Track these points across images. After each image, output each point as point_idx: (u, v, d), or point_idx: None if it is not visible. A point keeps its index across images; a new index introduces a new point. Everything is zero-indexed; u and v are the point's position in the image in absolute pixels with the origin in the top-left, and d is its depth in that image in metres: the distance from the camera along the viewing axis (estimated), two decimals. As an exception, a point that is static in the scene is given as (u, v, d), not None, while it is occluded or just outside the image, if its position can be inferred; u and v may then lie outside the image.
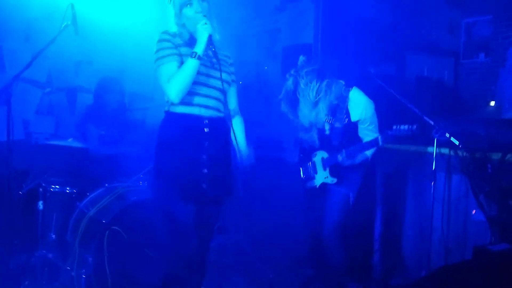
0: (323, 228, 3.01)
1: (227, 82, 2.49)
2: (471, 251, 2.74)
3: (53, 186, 3.47)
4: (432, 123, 3.14)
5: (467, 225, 3.36)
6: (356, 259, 3.42)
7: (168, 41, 2.36)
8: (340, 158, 2.94)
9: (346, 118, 2.95)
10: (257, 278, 3.69)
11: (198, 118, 2.38)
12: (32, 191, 3.57)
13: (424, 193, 3.52)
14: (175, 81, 2.27)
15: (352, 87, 2.96)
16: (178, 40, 2.40)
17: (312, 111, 2.92)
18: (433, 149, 3.22)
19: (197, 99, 2.37)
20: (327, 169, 3.03)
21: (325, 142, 3.03)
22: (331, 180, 3.01)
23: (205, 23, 2.31)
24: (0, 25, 4.55)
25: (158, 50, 2.35)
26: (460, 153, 3.35)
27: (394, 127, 2.77)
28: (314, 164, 3.11)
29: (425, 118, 3.12)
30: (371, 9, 4.78)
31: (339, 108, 2.94)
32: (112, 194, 3.28)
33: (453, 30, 5.61)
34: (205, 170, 2.37)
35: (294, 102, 2.99)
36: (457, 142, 3.10)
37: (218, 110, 2.46)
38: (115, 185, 3.43)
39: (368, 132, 2.98)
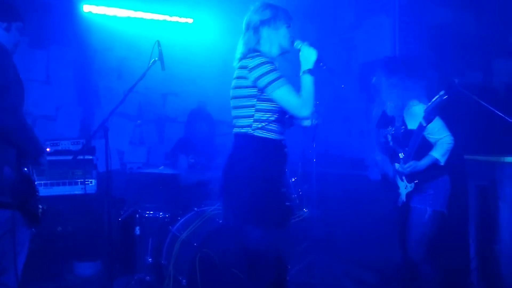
0: (407, 246, 2.96)
1: None
2: None
3: (147, 212, 3.69)
4: (527, 131, 2.94)
5: None
6: (451, 278, 3.25)
7: (272, 63, 2.36)
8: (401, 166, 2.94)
9: (403, 126, 2.96)
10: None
11: (281, 141, 2.44)
12: (129, 217, 3.81)
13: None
14: (310, 97, 2.38)
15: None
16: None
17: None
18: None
19: (276, 126, 2.41)
20: (404, 179, 2.99)
21: (392, 154, 3.06)
22: (410, 186, 2.96)
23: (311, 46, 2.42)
24: (96, 66, 5.02)
25: (269, 72, 2.31)
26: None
27: (428, 104, 2.69)
28: (395, 181, 3.08)
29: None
30: (451, 17, 4.60)
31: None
32: (202, 217, 3.44)
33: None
34: (284, 190, 2.45)
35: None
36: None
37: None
38: (203, 208, 3.59)
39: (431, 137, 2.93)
